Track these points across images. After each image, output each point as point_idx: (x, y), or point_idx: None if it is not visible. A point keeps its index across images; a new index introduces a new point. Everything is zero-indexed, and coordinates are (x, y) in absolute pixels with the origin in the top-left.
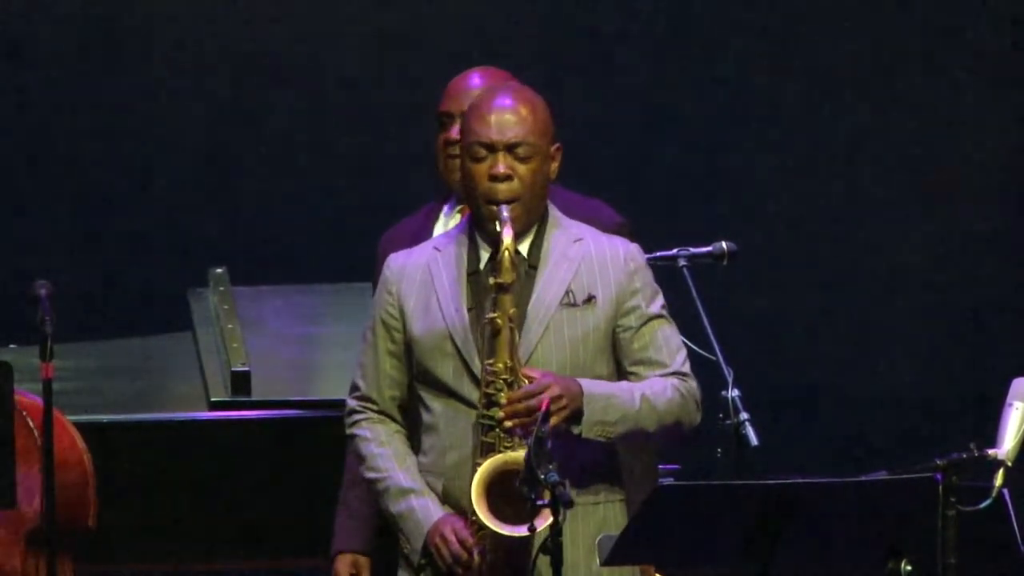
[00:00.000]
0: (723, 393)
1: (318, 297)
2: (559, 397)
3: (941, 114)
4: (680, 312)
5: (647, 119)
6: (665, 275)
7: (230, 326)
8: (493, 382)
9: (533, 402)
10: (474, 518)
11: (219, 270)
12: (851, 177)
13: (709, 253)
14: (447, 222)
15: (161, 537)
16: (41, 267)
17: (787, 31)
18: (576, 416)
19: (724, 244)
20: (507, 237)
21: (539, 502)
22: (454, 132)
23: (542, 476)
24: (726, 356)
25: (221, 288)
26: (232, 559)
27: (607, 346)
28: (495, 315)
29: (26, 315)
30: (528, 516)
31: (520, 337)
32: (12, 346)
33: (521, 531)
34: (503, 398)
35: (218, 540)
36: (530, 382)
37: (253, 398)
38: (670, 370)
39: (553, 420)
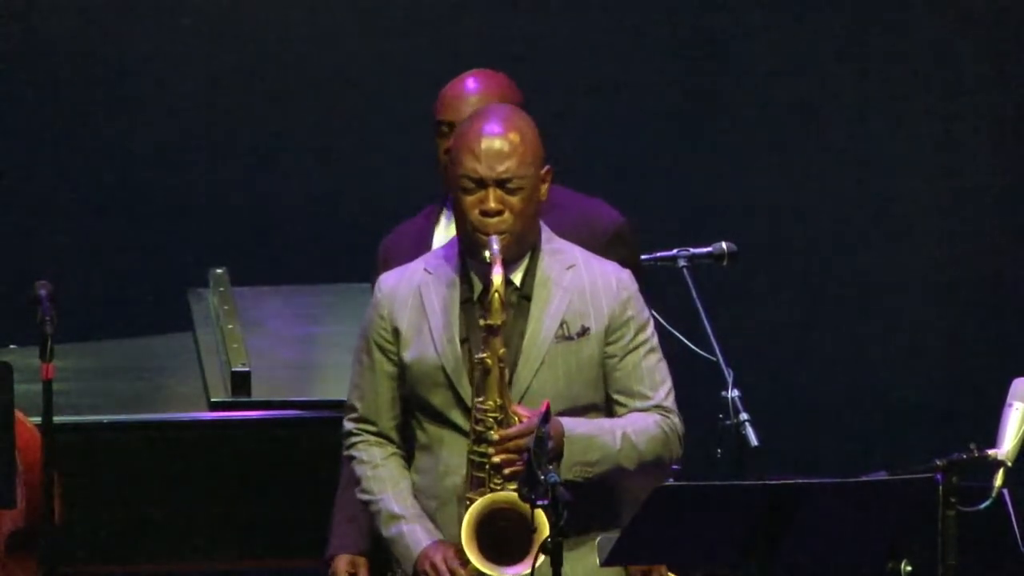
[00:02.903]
0: (723, 393)
1: (318, 297)
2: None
3: (947, 114)
4: (680, 312)
5: (647, 118)
6: (665, 275)
7: (230, 326)
8: (483, 420)
9: (523, 442)
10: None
11: (219, 270)
12: (853, 177)
13: (709, 253)
14: (448, 225)
15: (161, 537)
16: (41, 267)
17: (789, 30)
18: (556, 456)
19: (724, 244)
20: (496, 277)
21: (539, 502)
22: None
23: (542, 476)
24: (726, 356)
25: (221, 288)
26: (232, 559)
27: (600, 376)
28: (485, 355)
29: (26, 315)
30: (518, 556)
31: (515, 372)
32: (12, 346)
33: (511, 571)
34: (494, 435)
35: (218, 540)
36: (520, 420)
37: (253, 398)
38: (652, 403)
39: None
